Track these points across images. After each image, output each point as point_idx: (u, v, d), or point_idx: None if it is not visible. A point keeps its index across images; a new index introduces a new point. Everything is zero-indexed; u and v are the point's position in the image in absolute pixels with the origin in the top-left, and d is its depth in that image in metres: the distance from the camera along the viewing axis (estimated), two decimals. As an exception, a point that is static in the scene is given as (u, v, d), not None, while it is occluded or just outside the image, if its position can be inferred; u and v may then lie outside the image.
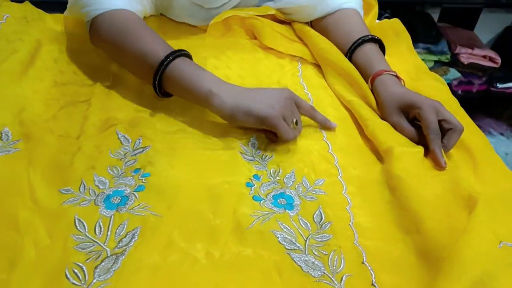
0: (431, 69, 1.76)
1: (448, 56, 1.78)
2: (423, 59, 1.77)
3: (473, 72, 1.85)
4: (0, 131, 0.52)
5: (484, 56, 1.80)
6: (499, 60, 1.81)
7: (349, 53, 0.68)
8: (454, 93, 1.84)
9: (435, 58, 1.77)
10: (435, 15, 1.97)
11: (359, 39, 0.67)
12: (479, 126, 0.59)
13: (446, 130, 0.54)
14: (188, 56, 0.59)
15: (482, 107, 2.02)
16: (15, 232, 0.41)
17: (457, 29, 1.96)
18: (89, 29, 0.65)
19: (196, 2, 0.73)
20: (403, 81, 0.63)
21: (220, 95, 0.53)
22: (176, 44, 0.60)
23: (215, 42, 0.75)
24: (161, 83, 0.57)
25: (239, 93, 0.54)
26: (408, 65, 0.72)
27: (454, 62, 1.82)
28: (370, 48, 0.67)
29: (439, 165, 0.51)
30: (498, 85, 1.88)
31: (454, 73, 1.81)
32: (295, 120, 0.53)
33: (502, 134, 1.91)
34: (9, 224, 0.42)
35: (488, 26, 2.03)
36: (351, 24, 0.72)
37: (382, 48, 0.70)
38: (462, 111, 0.62)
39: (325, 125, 0.58)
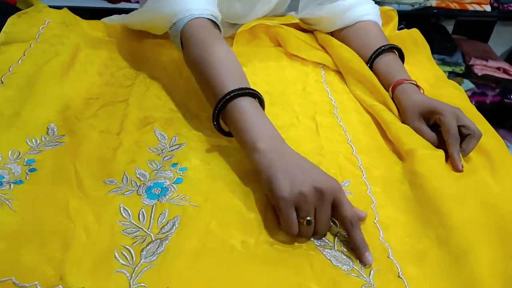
0: (445, 80, 1.78)
1: (463, 67, 1.80)
2: (437, 70, 1.78)
3: (487, 84, 1.86)
4: (47, 126, 0.57)
5: (498, 68, 1.82)
6: (513, 72, 1.83)
7: (370, 62, 0.71)
8: (468, 104, 1.86)
9: (450, 69, 1.79)
10: (450, 27, 2.00)
11: (378, 48, 0.71)
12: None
13: (465, 135, 0.57)
14: (254, 95, 0.54)
15: (496, 118, 2.02)
16: (67, 217, 0.45)
17: (472, 41, 1.98)
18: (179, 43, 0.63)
19: (228, 21, 0.77)
20: (423, 90, 0.66)
21: (262, 152, 0.48)
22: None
23: (241, 50, 0.79)
24: (219, 117, 0.54)
25: (279, 157, 0.47)
26: (427, 74, 0.75)
27: (468, 73, 1.84)
28: (390, 58, 0.71)
29: (456, 169, 0.54)
30: (511, 96, 1.90)
31: (468, 84, 1.83)
32: (307, 219, 0.44)
33: (515, 146, 1.91)
34: (61, 210, 0.46)
35: (502, 39, 2.05)
36: (371, 35, 0.75)
37: (402, 56, 0.73)
38: (480, 117, 0.65)
39: (358, 253, 0.44)
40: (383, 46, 0.71)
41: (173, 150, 0.56)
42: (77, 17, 0.83)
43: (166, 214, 0.47)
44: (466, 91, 1.84)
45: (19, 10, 0.81)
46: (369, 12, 0.77)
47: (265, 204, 0.49)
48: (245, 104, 0.52)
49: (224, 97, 0.52)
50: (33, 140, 0.54)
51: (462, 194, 0.49)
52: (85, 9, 1.06)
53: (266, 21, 0.80)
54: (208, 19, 0.62)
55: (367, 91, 0.69)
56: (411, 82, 0.65)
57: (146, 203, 0.48)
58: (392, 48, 0.71)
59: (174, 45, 0.65)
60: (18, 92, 0.61)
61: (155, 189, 0.50)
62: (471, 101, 1.90)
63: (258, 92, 0.54)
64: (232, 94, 0.52)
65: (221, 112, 0.53)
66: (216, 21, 0.63)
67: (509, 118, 2.04)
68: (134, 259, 0.42)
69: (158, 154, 0.55)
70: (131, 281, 0.40)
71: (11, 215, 0.45)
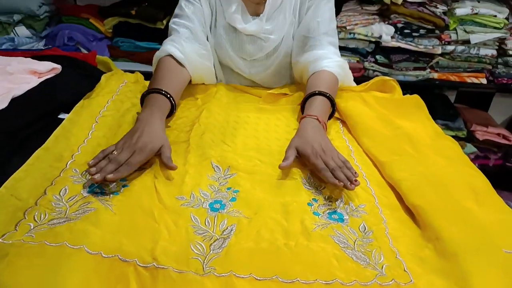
0: (449, 143, 1.95)
1: (465, 132, 1.97)
2: (441, 134, 1.95)
3: (488, 148, 2.02)
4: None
5: (498, 134, 1.99)
6: (512, 138, 1.99)
7: (305, 100, 0.89)
8: (471, 165, 2.00)
9: (453, 133, 1.96)
10: (452, 97, 2.21)
11: (313, 92, 0.88)
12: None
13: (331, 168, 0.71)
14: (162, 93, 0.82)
15: (499, 181, 2.15)
16: (153, 220, 0.60)
17: (473, 109, 2.18)
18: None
19: (243, 57, 1.04)
20: (324, 125, 0.82)
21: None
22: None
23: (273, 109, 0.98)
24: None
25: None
26: (428, 129, 0.92)
27: (470, 138, 2.01)
28: (316, 98, 0.87)
29: (347, 188, 0.68)
30: (512, 161, 2.04)
31: (470, 148, 1.99)
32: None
33: (520, 207, 2.01)
34: (148, 215, 0.61)
35: (501, 109, 2.25)
36: (321, 81, 0.92)
37: (332, 101, 0.88)
38: (467, 160, 0.81)
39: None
40: (317, 90, 0.88)
41: (227, 178, 0.72)
42: (142, 78, 1.04)
43: (225, 222, 0.62)
44: (469, 154, 2.00)
45: (100, 70, 1.03)
46: (332, 65, 0.95)
47: (301, 217, 0.64)
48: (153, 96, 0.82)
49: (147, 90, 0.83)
50: (124, 165, 0.71)
51: (453, 217, 0.63)
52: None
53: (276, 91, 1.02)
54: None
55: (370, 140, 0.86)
56: (313, 116, 0.82)
57: (210, 214, 0.63)
58: (322, 93, 0.87)
59: (222, 94, 0.89)
60: (108, 129, 0.79)
61: (216, 205, 0.65)
62: (475, 163, 2.05)
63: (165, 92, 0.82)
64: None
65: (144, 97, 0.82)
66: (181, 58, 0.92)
67: (511, 181, 2.16)
68: (205, 250, 0.56)
69: (216, 180, 0.71)
70: (204, 265, 0.54)
71: (112, 216, 0.60)
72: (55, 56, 0.98)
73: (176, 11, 1.01)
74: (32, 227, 0.56)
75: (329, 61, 0.96)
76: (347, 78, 1.03)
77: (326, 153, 0.74)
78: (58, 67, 0.92)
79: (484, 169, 2.03)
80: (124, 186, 0.67)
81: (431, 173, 0.75)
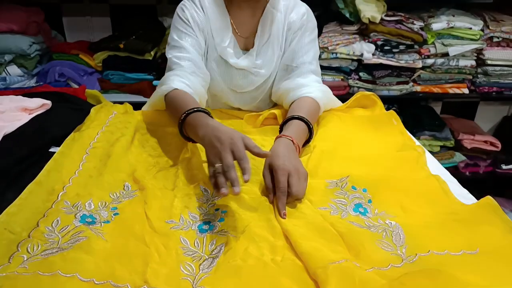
0: (437, 153, 1.99)
1: (452, 142, 2.02)
2: (429, 145, 2.01)
3: (477, 156, 2.06)
4: (123, 184, 0.76)
5: (485, 141, 2.03)
6: (499, 144, 2.03)
7: (282, 124, 0.91)
8: (461, 174, 2.04)
9: (441, 143, 2.01)
10: (438, 108, 2.27)
11: (292, 116, 0.90)
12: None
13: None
14: (205, 112, 0.83)
15: (492, 188, 2.18)
16: (144, 245, 0.62)
17: (459, 119, 2.23)
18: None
19: (234, 90, 1.07)
20: (298, 147, 0.83)
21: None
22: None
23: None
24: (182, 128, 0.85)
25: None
26: (397, 141, 0.96)
27: (459, 147, 2.05)
28: (294, 122, 0.89)
29: (280, 216, 0.69)
30: (503, 166, 2.08)
31: (459, 157, 2.02)
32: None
33: (513, 212, 2.04)
34: (139, 240, 0.63)
35: (486, 116, 2.30)
36: (300, 107, 0.95)
37: (309, 125, 0.89)
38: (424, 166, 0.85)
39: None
40: (295, 115, 0.90)
41: (214, 199, 0.74)
42: (131, 109, 1.08)
43: (214, 242, 0.64)
44: (459, 162, 2.03)
45: (90, 104, 1.06)
46: (313, 91, 0.99)
47: (284, 233, 0.66)
48: (195, 114, 0.81)
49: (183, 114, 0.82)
50: (115, 194, 0.73)
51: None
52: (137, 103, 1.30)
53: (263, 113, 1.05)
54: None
55: None
56: (288, 137, 0.82)
57: (199, 235, 0.65)
58: (300, 118, 0.89)
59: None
60: (99, 160, 0.82)
61: (205, 226, 0.67)
62: (465, 172, 2.09)
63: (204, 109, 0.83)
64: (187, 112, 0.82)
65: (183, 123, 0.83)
66: (190, 92, 0.93)
67: (504, 187, 2.19)
68: (194, 270, 0.58)
69: (204, 203, 0.73)
70: (194, 284, 0.56)
71: (105, 243, 0.62)
72: (45, 93, 1.01)
73: (172, 42, 1.02)
74: (25, 259, 0.58)
75: (310, 88, 1.00)
76: (331, 102, 1.06)
77: (292, 174, 0.73)
78: (48, 103, 0.95)
79: (475, 177, 2.08)
80: (115, 214, 0.69)
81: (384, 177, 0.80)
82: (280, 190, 0.72)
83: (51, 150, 0.86)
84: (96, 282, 0.55)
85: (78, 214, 0.68)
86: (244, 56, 1.05)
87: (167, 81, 0.94)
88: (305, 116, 0.90)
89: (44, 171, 0.77)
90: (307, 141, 0.91)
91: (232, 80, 1.07)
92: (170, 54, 1.01)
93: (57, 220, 0.66)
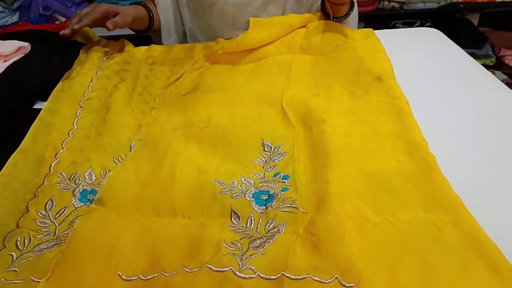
0: (477, 73, 1.77)
1: (493, 59, 1.79)
2: (469, 64, 1.77)
3: (521, 73, 1.84)
4: (129, 145, 0.60)
5: (530, 57, 1.80)
6: (546, 59, 1.80)
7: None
8: (502, 95, 1.84)
9: (481, 62, 1.78)
10: (475, 20, 1.99)
11: None
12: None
13: None
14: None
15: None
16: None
17: (499, 31, 1.96)
18: None
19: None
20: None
21: None
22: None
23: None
24: None
25: None
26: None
27: (499, 65, 1.83)
28: None
29: None
30: (547, 84, 1.87)
31: (500, 76, 1.81)
32: None
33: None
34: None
35: (529, 27, 2.03)
36: None
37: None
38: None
39: None
40: None
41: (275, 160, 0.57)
42: (131, 45, 0.88)
43: (274, 221, 0.47)
44: (499, 82, 1.82)
45: (79, 42, 0.87)
46: None
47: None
48: None
49: None
50: (119, 158, 0.58)
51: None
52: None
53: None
54: None
55: None
56: None
57: (255, 209, 0.48)
58: None
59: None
60: (96, 115, 0.65)
61: (263, 195, 0.50)
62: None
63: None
64: None
65: None
66: None
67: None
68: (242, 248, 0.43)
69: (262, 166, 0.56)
70: (240, 262, 0.41)
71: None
72: (20, 32, 0.82)
73: None
74: (14, 258, 0.45)
75: None
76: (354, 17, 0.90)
77: None
78: (26, 45, 0.76)
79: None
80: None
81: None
82: None
83: (36, 106, 0.69)
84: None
85: (76, 190, 0.53)
86: None
87: None
88: None
89: (29, 135, 0.62)
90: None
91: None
92: None
93: (51, 201, 0.51)
